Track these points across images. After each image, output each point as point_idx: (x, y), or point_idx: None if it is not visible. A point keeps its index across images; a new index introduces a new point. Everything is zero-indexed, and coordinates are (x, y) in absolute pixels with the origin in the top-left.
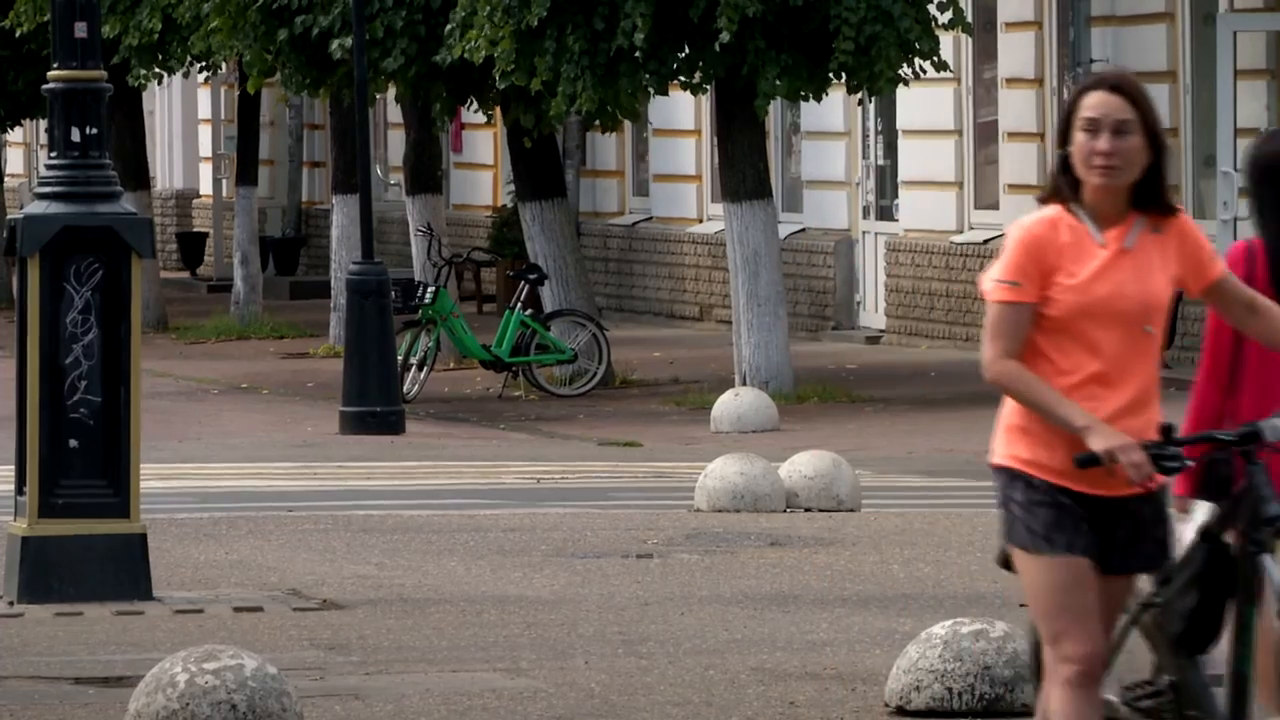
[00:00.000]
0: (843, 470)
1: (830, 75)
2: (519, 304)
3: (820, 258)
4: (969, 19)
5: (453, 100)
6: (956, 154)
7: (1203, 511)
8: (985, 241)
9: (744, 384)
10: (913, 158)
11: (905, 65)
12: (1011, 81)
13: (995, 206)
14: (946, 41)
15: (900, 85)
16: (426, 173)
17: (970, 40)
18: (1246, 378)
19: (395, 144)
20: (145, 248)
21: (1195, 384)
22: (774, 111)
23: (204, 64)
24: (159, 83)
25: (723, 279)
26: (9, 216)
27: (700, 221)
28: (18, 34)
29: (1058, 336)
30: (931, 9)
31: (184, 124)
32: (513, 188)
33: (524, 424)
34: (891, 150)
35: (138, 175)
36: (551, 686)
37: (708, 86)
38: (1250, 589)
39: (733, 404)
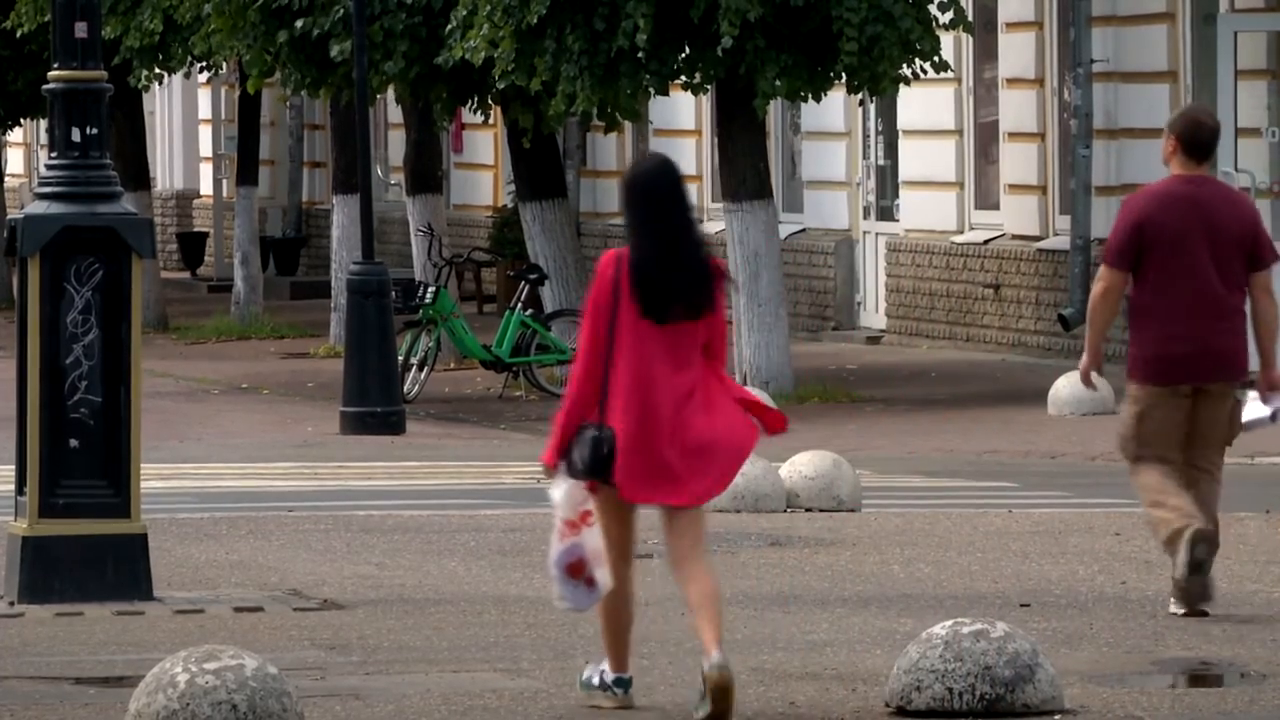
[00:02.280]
0: (843, 470)
1: (831, 75)
2: (519, 304)
3: (821, 258)
4: (970, 19)
5: (453, 101)
6: (957, 154)
7: (561, 484)
8: (986, 242)
9: (745, 384)
10: (913, 158)
11: (906, 65)
12: (1012, 82)
13: (996, 207)
14: (947, 42)
15: (901, 85)
16: (427, 173)
17: (971, 40)
18: (620, 353)
19: (396, 144)
20: (145, 248)
21: (578, 356)
22: (774, 112)
23: (205, 64)
24: (159, 83)
25: None
26: (9, 216)
27: (701, 222)
28: (18, 34)
29: None
30: (932, 9)
31: (184, 124)
32: (513, 188)
33: (524, 424)
34: (892, 150)
35: (138, 175)
36: (552, 686)
37: (708, 87)
38: None
39: None
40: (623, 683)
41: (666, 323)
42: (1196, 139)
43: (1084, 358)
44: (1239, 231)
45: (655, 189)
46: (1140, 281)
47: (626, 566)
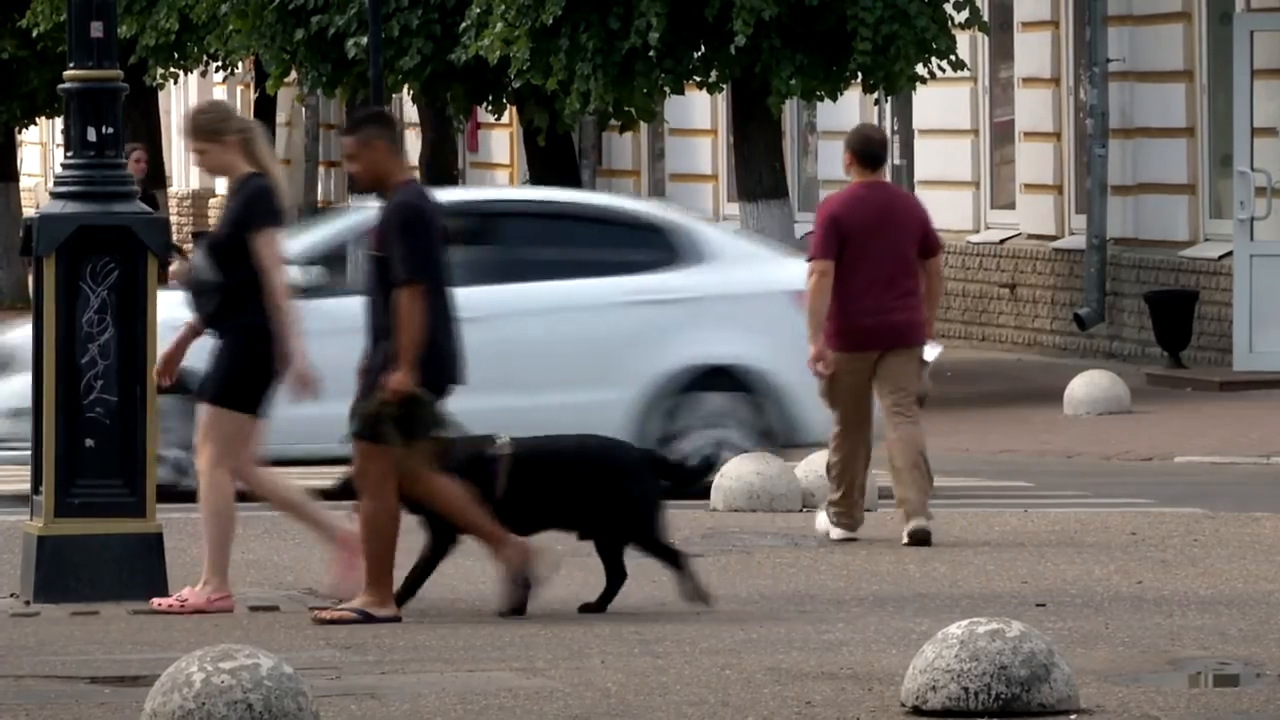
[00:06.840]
0: None
1: (846, 74)
2: None
3: None
4: (985, 18)
5: (468, 99)
6: (973, 154)
7: None
8: (1001, 241)
9: None
10: (929, 157)
11: (922, 65)
12: (1028, 81)
13: (1011, 206)
14: (963, 41)
15: (917, 84)
16: (443, 172)
17: (987, 40)
18: None
19: (411, 143)
20: (161, 247)
21: None
22: (790, 111)
23: (220, 63)
24: (175, 82)
25: None
26: (25, 216)
27: (717, 221)
28: (34, 34)
29: None
30: (948, 8)
31: None
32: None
33: None
34: (908, 150)
35: (154, 175)
36: (567, 686)
37: (723, 86)
38: None
39: None
40: None
41: None
42: (867, 151)
43: (812, 349)
44: (911, 226)
45: None
46: (837, 269)
47: None
